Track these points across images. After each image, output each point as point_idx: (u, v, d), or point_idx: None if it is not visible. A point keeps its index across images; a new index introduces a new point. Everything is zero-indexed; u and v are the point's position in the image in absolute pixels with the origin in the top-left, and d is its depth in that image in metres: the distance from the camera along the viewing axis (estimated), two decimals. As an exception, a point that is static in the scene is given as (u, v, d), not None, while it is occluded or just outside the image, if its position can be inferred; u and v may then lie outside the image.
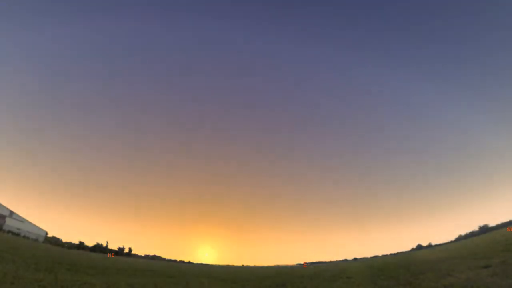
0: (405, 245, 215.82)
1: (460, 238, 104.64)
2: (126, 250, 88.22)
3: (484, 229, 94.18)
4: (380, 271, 23.26)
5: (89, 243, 78.25)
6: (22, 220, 66.45)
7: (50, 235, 78.03)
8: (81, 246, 73.32)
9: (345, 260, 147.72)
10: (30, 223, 68.98)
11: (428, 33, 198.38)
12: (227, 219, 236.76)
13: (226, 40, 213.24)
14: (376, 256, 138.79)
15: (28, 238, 58.03)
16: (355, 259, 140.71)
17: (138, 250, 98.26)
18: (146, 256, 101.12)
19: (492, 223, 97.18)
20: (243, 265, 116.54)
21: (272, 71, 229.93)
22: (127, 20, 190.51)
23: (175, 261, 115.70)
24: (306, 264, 77.44)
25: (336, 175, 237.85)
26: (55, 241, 71.96)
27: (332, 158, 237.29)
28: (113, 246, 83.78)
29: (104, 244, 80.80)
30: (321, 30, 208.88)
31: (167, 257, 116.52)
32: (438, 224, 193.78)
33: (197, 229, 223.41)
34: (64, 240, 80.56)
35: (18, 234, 57.28)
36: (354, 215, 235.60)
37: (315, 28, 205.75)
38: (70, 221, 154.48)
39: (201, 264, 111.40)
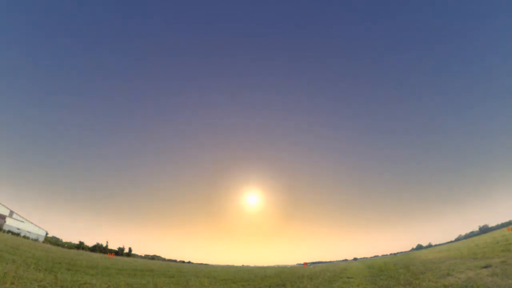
0: (405, 245, 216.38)
1: (460, 238, 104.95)
2: (126, 250, 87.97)
3: (484, 229, 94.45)
4: (380, 271, 23.28)
5: (89, 243, 78.07)
6: (22, 220, 66.48)
7: (50, 235, 78.16)
8: (81, 246, 73.11)
9: (345, 260, 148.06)
10: (30, 223, 69.02)
11: (432, 35, 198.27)
12: (228, 219, 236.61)
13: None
14: (376, 256, 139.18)
15: (28, 238, 58.00)
16: (355, 259, 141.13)
17: (138, 250, 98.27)
18: (146, 256, 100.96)
19: (492, 223, 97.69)
20: (243, 265, 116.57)
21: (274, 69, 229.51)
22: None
23: (175, 261, 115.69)
24: (306, 264, 77.27)
25: (336, 174, 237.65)
26: (55, 241, 71.92)
27: (332, 157, 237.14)
28: (113, 246, 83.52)
29: (104, 244, 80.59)
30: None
31: (167, 257, 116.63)
32: (438, 224, 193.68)
33: (197, 229, 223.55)
34: (64, 240, 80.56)
35: (18, 234, 57.28)
36: (354, 215, 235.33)
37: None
38: (70, 221, 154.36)
39: (201, 264, 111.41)
